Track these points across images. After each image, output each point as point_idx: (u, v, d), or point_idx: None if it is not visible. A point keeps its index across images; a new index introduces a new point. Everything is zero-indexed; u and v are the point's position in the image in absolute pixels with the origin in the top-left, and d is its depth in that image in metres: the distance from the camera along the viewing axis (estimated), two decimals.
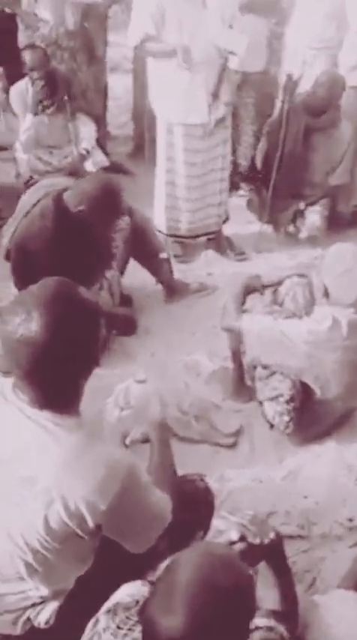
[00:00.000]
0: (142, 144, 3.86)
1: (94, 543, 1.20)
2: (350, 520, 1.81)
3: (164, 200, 2.93)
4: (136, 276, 2.77)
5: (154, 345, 2.57)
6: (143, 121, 3.72)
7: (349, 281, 1.86)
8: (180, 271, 3.00)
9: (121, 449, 1.43)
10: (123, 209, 2.38)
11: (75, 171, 3.23)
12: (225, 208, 3.09)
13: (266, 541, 1.02)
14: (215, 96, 2.69)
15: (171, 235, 3.01)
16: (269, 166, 3.10)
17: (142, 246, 2.63)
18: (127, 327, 2.62)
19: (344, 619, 1.01)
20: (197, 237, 3.07)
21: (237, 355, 2.14)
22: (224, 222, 3.13)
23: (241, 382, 2.19)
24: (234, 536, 1.01)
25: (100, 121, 3.64)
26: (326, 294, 1.92)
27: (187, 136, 2.78)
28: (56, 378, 1.12)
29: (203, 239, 3.15)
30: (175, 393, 2.26)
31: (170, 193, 2.91)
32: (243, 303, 2.11)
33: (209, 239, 3.19)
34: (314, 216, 3.14)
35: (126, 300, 2.66)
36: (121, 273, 2.62)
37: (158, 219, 2.98)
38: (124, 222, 2.54)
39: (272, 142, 3.09)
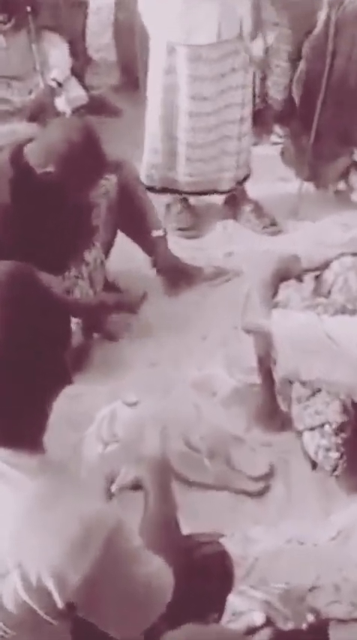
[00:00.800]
0: (132, 72, 3.86)
1: (66, 629, 1.20)
2: None
3: (158, 142, 2.97)
4: (127, 258, 2.77)
5: (152, 353, 2.58)
6: (131, 39, 3.71)
7: None
8: (188, 250, 3.02)
9: (103, 499, 1.43)
10: (107, 166, 2.40)
11: (41, 113, 3.24)
12: (246, 159, 3.11)
13: (303, 627, 1.02)
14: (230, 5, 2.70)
15: (162, 190, 3.05)
16: (311, 100, 3.10)
17: (134, 215, 2.64)
18: (115, 327, 2.64)
19: None
20: (201, 194, 3.09)
21: (266, 367, 2.14)
22: (244, 179, 3.14)
23: (272, 405, 2.19)
24: (257, 619, 1.01)
25: (76, 41, 3.65)
26: None
27: (192, 60, 2.80)
28: (10, 398, 1.13)
29: (219, 204, 3.16)
30: (181, 421, 2.26)
31: (167, 133, 2.95)
32: (274, 293, 2.11)
33: (228, 204, 3.19)
34: None
35: (112, 291, 2.68)
36: (106, 253, 2.63)
37: (146, 169, 3.02)
38: (108, 182, 2.55)
39: (315, 67, 3.07)
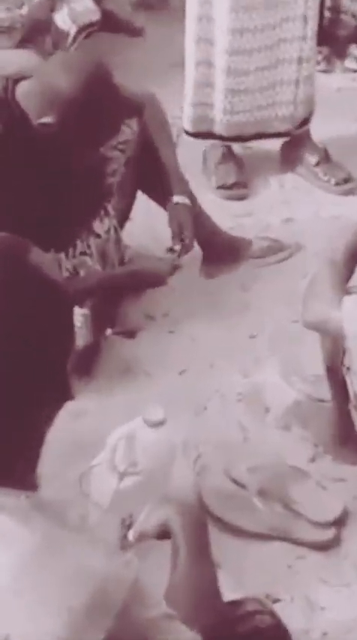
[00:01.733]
0: None
1: None
2: None
3: (193, 71, 2.99)
4: (148, 227, 2.79)
5: (183, 355, 2.59)
6: None
7: None
8: (233, 216, 3.02)
9: (118, 552, 1.44)
10: (125, 111, 2.41)
11: (36, 33, 3.26)
12: (308, 92, 3.10)
13: None
14: None
15: (202, 135, 3.07)
16: None
17: (162, 174, 2.64)
18: (133, 319, 2.67)
19: None
20: (248, 139, 3.11)
21: (336, 375, 2.12)
22: (306, 120, 3.14)
23: (346, 426, 2.17)
24: None
25: None
26: None
27: None
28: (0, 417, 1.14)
29: (274, 153, 3.17)
30: (223, 446, 2.27)
31: (203, 60, 2.97)
32: (349, 275, 2.09)
33: (285, 152, 3.18)
34: None
35: (134, 278, 2.68)
36: (122, 223, 2.65)
37: (192, 110, 3.06)
38: (128, 129, 2.57)
39: None
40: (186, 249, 2.59)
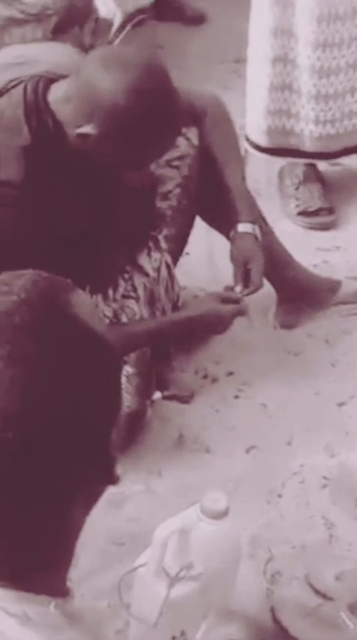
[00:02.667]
0: None
1: None
2: None
3: (267, 73, 3.03)
4: (208, 264, 2.83)
5: (253, 427, 2.60)
6: None
7: None
8: (317, 250, 3.05)
9: None
10: (182, 119, 2.43)
11: (72, 22, 3.31)
12: None
13: None
14: None
15: (279, 152, 3.10)
16: None
17: (223, 193, 2.66)
18: (187, 379, 2.66)
19: None
20: (335, 155, 3.14)
21: None
22: None
23: None
24: None
25: None
26: None
27: None
28: (20, 507, 1.14)
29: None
30: (302, 546, 2.27)
31: (279, 57, 3.02)
32: None
33: None
34: None
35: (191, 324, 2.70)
36: (176, 257, 2.68)
37: (252, 120, 3.08)
38: (185, 143, 2.61)
39: None
40: (253, 288, 2.58)
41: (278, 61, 3.03)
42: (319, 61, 2.99)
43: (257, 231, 2.61)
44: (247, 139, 3.14)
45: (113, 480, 1.21)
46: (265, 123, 3.09)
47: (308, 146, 3.10)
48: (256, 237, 2.60)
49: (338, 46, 2.99)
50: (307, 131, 3.08)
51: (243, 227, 2.59)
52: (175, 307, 2.66)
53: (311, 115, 3.05)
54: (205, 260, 2.80)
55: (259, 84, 3.08)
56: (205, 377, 2.75)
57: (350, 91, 3.06)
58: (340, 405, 2.65)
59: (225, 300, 2.54)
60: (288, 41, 3.00)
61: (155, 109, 2.26)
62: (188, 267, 2.76)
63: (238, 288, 2.55)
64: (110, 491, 1.22)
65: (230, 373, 2.75)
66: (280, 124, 3.08)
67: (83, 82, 2.27)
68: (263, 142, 3.11)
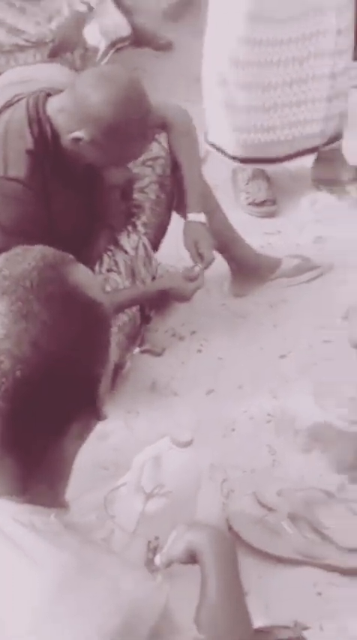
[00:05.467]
0: None
1: None
2: None
3: (217, 89, 3.00)
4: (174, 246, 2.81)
5: (210, 375, 2.59)
6: None
7: None
8: (263, 234, 3.03)
9: (145, 576, 1.44)
10: (155, 130, 2.46)
11: (65, 48, 3.28)
12: (341, 108, 3.11)
13: None
14: None
15: (246, 160, 3.08)
16: None
17: (181, 187, 2.66)
18: (158, 336, 2.67)
19: None
20: (282, 160, 3.12)
21: None
22: (336, 137, 3.14)
23: None
24: None
25: None
26: None
27: None
28: (27, 434, 1.15)
29: (305, 169, 3.18)
30: (251, 470, 2.26)
31: (222, 73, 2.99)
32: None
33: (317, 169, 3.20)
34: None
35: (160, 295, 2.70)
36: (156, 242, 2.68)
37: (219, 133, 3.05)
38: (158, 145, 2.60)
39: None
40: (205, 264, 2.59)
41: (222, 83, 3.00)
42: (252, 77, 2.95)
43: (202, 218, 2.61)
44: (214, 145, 3.13)
45: (101, 416, 1.21)
46: (236, 134, 3.06)
47: (267, 152, 3.08)
48: (200, 224, 2.61)
49: (288, 64, 2.95)
50: (263, 137, 3.04)
51: (191, 216, 2.61)
52: (154, 279, 2.65)
53: (264, 121, 3.02)
54: (176, 243, 2.78)
55: (212, 101, 3.06)
56: (174, 335, 2.74)
57: (302, 103, 3.03)
58: (282, 357, 2.64)
59: (187, 277, 2.56)
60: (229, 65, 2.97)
61: (133, 118, 2.26)
62: (163, 249, 2.74)
63: (195, 267, 2.57)
64: (98, 426, 1.24)
65: (193, 332, 2.74)
66: (251, 137, 3.05)
67: (75, 96, 2.27)
68: (232, 150, 3.09)
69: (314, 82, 3.02)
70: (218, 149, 3.13)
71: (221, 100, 3.02)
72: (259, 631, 1.54)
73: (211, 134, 3.14)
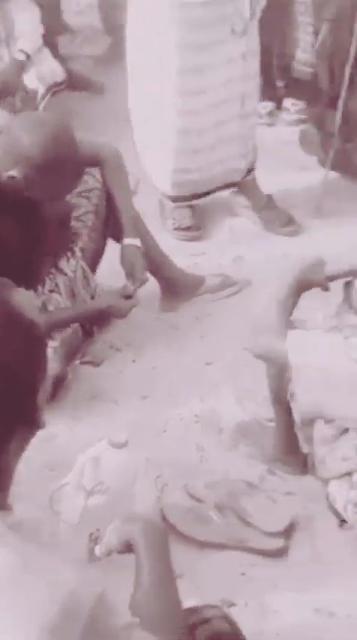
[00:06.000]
0: (119, 38, 3.89)
1: None
2: None
3: (146, 131, 3.03)
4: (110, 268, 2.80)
5: (144, 382, 2.59)
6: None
7: None
8: (188, 255, 3.04)
9: (85, 566, 1.43)
10: (85, 163, 2.45)
11: (5, 93, 3.25)
12: (252, 145, 3.13)
13: None
14: None
15: (179, 199, 3.09)
16: (336, 73, 3.13)
17: (115, 216, 2.67)
18: (98, 348, 2.66)
19: None
20: (208, 194, 3.13)
21: (282, 399, 2.12)
22: (250, 170, 3.17)
23: (290, 444, 2.18)
24: None
25: (49, 4, 3.71)
26: None
27: (183, 21, 2.82)
28: None
29: (224, 199, 3.18)
30: (181, 465, 2.26)
31: (151, 118, 3.02)
32: (292, 309, 2.10)
33: (235, 199, 3.22)
34: None
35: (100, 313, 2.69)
36: (94, 265, 2.67)
37: (156, 173, 3.07)
38: (92, 178, 2.60)
39: (342, 33, 3.09)
40: (139, 282, 2.61)
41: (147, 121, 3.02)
42: (184, 123, 2.97)
43: (137, 243, 2.63)
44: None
45: (40, 425, 1.20)
46: (171, 175, 3.07)
47: (195, 188, 3.10)
48: (135, 247, 2.62)
49: (209, 111, 2.96)
50: (194, 177, 3.06)
51: (127, 240, 2.62)
52: (93, 298, 2.65)
53: (197, 162, 3.03)
54: (113, 265, 2.77)
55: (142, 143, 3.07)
56: (111, 347, 2.72)
57: (224, 143, 3.04)
58: (207, 364, 2.64)
59: (123, 295, 2.57)
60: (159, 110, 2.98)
61: (62, 158, 2.29)
62: (101, 270, 2.73)
63: (129, 285, 2.58)
64: (44, 431, 1.22)
65: (128, 344, 2.72)
66: (183, 176, 3.07)
67: (9, 138, 2.28)
68: (169, 189, 3.11)
69: (232, 123, 3.04)
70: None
71: (151, 143, 3.03)
72: (190, 610, 1.53)
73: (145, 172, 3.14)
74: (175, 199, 3.11)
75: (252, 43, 2.97)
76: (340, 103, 3.09)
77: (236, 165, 3.11)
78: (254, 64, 3.02)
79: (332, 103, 3.14)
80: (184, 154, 3.01)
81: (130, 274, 2.61)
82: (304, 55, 3.49)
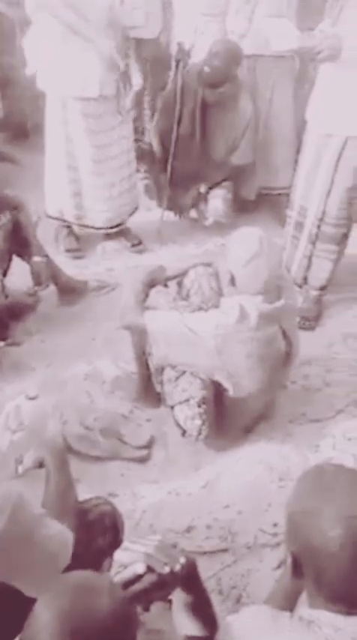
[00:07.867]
0: (22, 125, 3.76)
1: None
2: (275, 525, 1.86)
3: (68, 187, 2.91)
4: (21, 277, 2.72)
5: (49, 354, 2.53)
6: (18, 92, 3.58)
7: (255, 268, 1.90)
8: (76, 267, 2.97)
9: (7, 480, 1.38)
10: (3, 207, 2.37)
11: None
12: (136, 194, 3.11)
13: (177, 568, 1.00)
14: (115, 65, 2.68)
15: (83, 225, 3.02)
16: (165, 145, 3.12)
17: (25, 244, 2.58)
18: (18, 334, 2.57)
19: (254, 633, 1.03)
20: (114, 227, 3.08)
21: (141, 357, 2.13)
22: (134, 210, 3.14)
23: (148, 387, 2.18)
24: (140, 569, 0.98)
25: None
26: (233, 282, 1.95)
27: (86, 114, 2.76)
28: None
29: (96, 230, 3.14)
30: (77, 408, 2.23)
31: (75, 179, 2.91)
32: (145, 298, 2.10)
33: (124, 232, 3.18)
34: (217, 201, 3.18)
35: (12, 308, 2.58)
36: (4, 274, 2.55)
37: (63, 208, 2.97)
38: (5, 217, 2.51)
39: (167, 119, 3.09)
40: (44, 286, 2.55)
41: (76, 192, 2.93)
42: (96, 181, 2.90)
43: (44, 260, 2.57)
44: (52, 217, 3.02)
45: None
46: (74, 211, 2.97)
47: (98, 223, 3.03)
48: (43, 263, 2.56)
49: (110, 173, 2.89)
50: (100, 216, 2.98)
51: (36, 258, 2.55)
52: (7, 297, 2.52)
53: (103, 206, 2.96)
54: (23, 274, 2.68)
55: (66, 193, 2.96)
56: (27, 332, 2.61)
57: (122, 194, 2.98)
58: (93, 339, 2.60)
59: (28, 294, 2.50)
60: (78, 174, 2.89)
61: None
62: (13, 277, 2.63)
63: (37, 289, 2.52)
64: None
65: (39, 330, 2.63)
66: (83, 213, 2.99)
67: None
68: (72, 220, 3.02)
69: (124, 181, 2.98)
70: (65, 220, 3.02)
71: (75, 191, 2.93)
72: (84, 501, 1.51)
73: (51, 209, 3.02)
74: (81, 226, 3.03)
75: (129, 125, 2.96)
76: (169, 166, 3.10)
77: (127, 210, 3.07)
78: (131, 140, 3.00)
79: (163, 166, 3.13)
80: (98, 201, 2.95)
81: (36, 280, 2.54)
82: (146, 135, 3.49)
